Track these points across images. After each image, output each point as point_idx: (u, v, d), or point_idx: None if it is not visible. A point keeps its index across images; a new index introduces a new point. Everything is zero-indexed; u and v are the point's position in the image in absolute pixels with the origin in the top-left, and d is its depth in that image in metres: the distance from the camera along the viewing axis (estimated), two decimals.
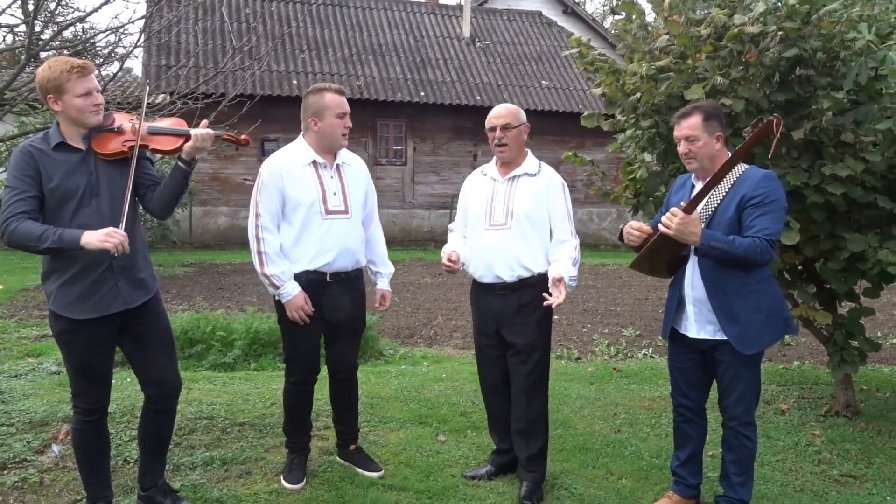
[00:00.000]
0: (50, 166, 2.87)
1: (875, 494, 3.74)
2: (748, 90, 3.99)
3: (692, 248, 3.13)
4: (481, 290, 3.68)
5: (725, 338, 3.14)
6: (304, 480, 3.64)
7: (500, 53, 18.30)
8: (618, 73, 4.57)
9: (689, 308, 3.25)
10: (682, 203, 3.06)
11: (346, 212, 3.56)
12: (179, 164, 3.06)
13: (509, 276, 3.53)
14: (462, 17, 18.59)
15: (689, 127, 3.15)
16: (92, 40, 6.23)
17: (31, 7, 4.94)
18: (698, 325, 3.24)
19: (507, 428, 3.73)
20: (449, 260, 3.56)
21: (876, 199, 4.00)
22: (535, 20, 19.92)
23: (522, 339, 3.56)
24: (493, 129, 3.56)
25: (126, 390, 4.87)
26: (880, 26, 4.01)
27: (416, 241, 16.38)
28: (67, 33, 7.56)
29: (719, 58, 4.09)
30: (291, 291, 3.43)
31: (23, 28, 5.13)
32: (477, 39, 18.48)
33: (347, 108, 3.55)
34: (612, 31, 4.85)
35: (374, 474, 3.74)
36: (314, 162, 3.53)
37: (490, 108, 3.69)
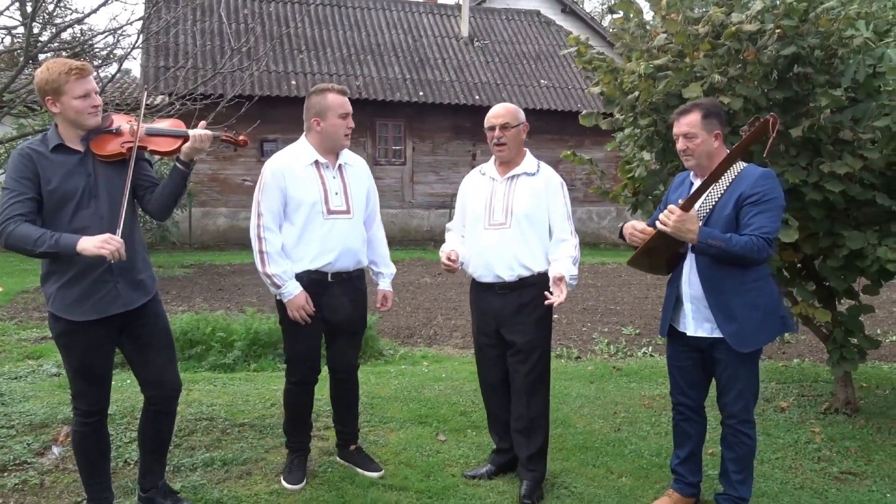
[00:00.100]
0: (48, 168, 2.87)
1: (875, 491, 3.75)
2: (746, 88, 4.00)
3: (690, 245, 3.13)
4: (481, 290, 3.68)
5: (723, 335, 3.14)
6: (305, 481, 3.64)
7: (498, 53, 18.30)
8: (616, 72, 4.58)
9: (687, 306, 3.26)
10: (680, 201, 3.07)
11: (347, 212, 3.57)
12: (178, 165, 3.06)
13: (509, 275, 3.54)
14: (460, 16, 18.59)
15: (687, 124, 3.16)
16: (90, 42, 6.23)
17: (29, 9, 4.94)
18: (696, 322, 3.24)
19: (507, 427, 3.74)
20: (448, 259, 3.56)
21: (874, 197, 4.00)
22: (534, 19, 19.92)
23: (522, 339, 3.56)
24: (492, 128, 3.57)
25: (126, 392, 4.87)
26: (878, 23, 4.01)
27: (415, 240, 16.39)
28: (66, 35, 7.56)
29: (717, 56, 4.10)
30: (293, 291, 3.44)
31: (21, 30, 5.13)
32: (475, 39, 18.48)
33: (350, 109, 3.55)
34: (611, 30, 4.85)
35: (375, 474, 3.74)
36: (316, 162, 3.53)
37: (489, 107, 3.70)
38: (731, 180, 3.13)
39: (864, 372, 5.99)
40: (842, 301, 4.83)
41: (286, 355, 3.72)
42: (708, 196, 3.14)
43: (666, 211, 3.03)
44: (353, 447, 3.88)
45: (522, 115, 3.62)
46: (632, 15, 4.61)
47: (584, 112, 4.87)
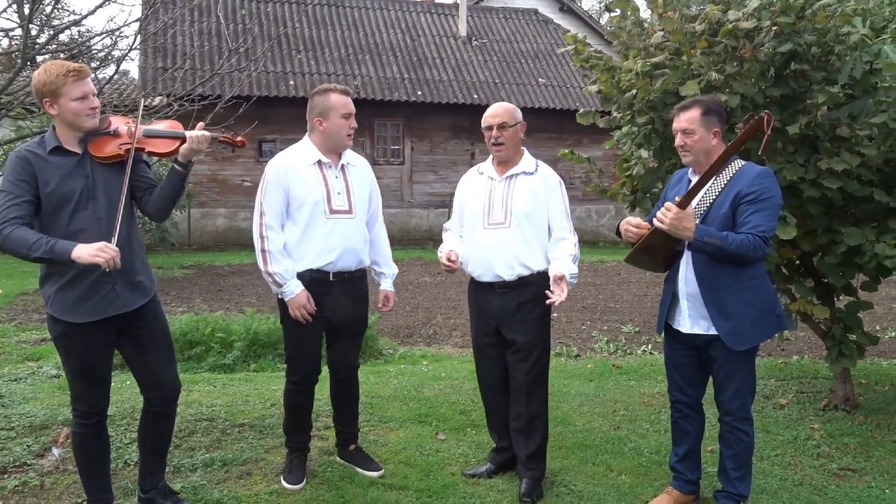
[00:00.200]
0: (46, 171, 2.87)
1: (874, 487, 3.75)
2: (743, 86, 4.00)
3: (686, 243, 3.13)
4: (480, 289, 3.69)
5: (718, 333, 3.15)
6: (305, 480, 3.65)
7: (496, 52, 18.30)
8: (613, 70, 4.58)
9: (683, 303, 3.26)
10: (677, 198, 3.07)
11: (349, 212, 3.57)
12: (176, 166, 3.06)
13: (509, 274, 3.54)
14: (458, 15, 18.57)
15: (686, 120, 3.16)
16: (88, 43, 6.22)
17: (26, 10, 4.94)
18: (692, 320, 3.24)
19: (507, 426, 3.74)
20: (448, 259, 3.57)
21: (872, 193, 4.01)
22: (532, 18, 19.91)
23: (522, 337, 3.56)
24: (490, 128, 3.57)
25: (126, 393, 4.87)
26: (875, 20, 4.01)
27: (414, 240, 16.39)
28: (63, 36, 7.56)
29: (714, 54, 4.10)
30: (294, 290, 3.45)
31: (18, 32, 5.13)
32: (473, 38, 18.47)
33: (353, 109, 3.56)
34: (608, 28, 4.85)
35: (374, 474, 3.75)
36: (319, 162, 3.54)
37: (487, 106, 3.70)
38: (728, 178, 3.13)
39: (863, 368, 6.00)
40: (840, 298, 4.83)
41: (287, 355, 3.72)
42: (705, 194, 3.15)
43: (663, 208, 3.03)
44: (352, 447, 3.89)
45: (519, 115, 3.62)
46: (629, 13, 4.62)
47: (581, 110, 4.87)
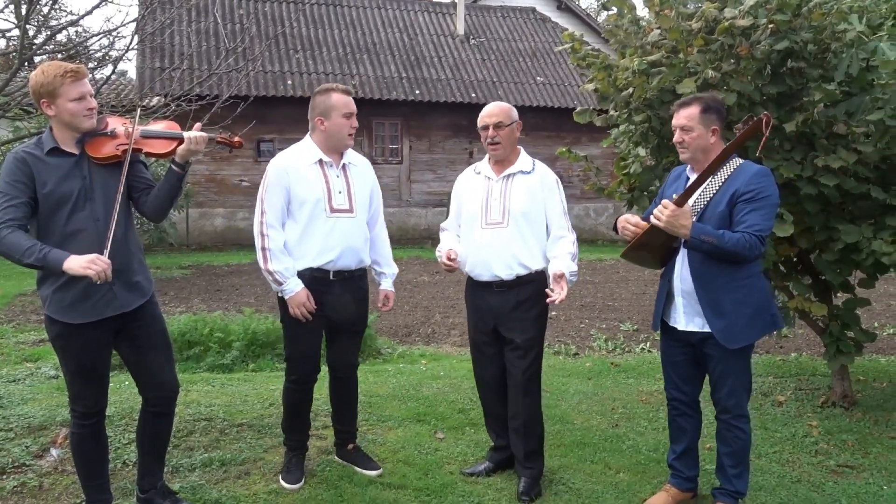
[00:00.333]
0: (44, 172, 2.87)
1: (872, 484, 3.76)
2: (740, 83, 4.00)
3: (682, 240, 3.14)
4: (478, 288, 3.69)
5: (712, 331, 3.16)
6: (303, 480, 3.65)
7: (494, 50, 18.30)
8: (609, 69, 4.58)
9: (678, 300, 3.27)
10: (674, 196, 3.07)
11: (350, 210, 3.58)
12: (173, 167, 3.06)
13: (507, 274, 3.54)
14: (456, 14, 18.57)
15: (685, 117, 3.16)
16: (85, 44, 6.23)
17: (23, 11, 4.94)
18: (687, 317, 3.25)
19: (505, 424, 3.74)
20: (448, 258, 3.57)
21: (869, 190, 4.01)
22: (529, 16, 19.91)
23: (521, 336, 3.57)
24: (486, 127, 3.57)
25: (124, 393, 4.87)
26: (871, 17, 4.01)
27: (412, 239, 16.40)
28: (61, 37, 7.55)
29: (711, 51, 4.10)
30: (294, 288, 3.45)
31: (16, 32, 5.13)
32: (471, 36, 18.47)
33: (354, 109, 3.57)
34: (605, 27, 4.85)
35: (373, 473, 3.75)
36: (320, 161, 3.55)
37: (485, 105, 3.70)
38: (726, 176, 3.14)
39: (861, 365, 6.01)
40: (838, 295, 4.84)
41: (286, 353, 3.72)
42: (703, 192, 3.15)
43: (660, 205, 3.04)
44: (351, 446, 3.89)
45: (516, 114, 3.62)
46: (625, 11, 4.62)
47: (578, 109, 4.87)
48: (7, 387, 5.19)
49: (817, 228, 4.29)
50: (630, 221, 3.24)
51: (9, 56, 5.67)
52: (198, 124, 3.18)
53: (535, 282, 3.56)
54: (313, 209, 3.49)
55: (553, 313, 8.09)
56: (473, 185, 3.71)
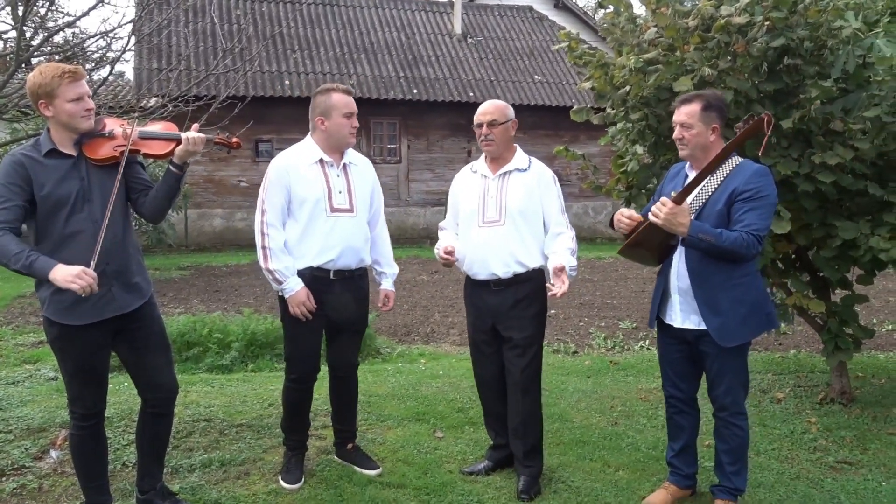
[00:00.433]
0: (42, 174, 2.87)
1: (870, 480, 3.77)
2: (736, 81, 4.01)
3: (680, 238, 3.14)
4: (476, 287, 3.69)
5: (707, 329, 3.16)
6: (303, 480, 3.66)
7: (492, 49, 18.29)
8: (606, 67, 4.58)
9: (675, 297, 3.27)
10: (673, 193, 3.08)
11: (350, 210, 3.59)
12: (171, 168, 3.06)
13: (504, 272, 3.55)
14: (453, 13, 18.56)
15: (686, 114, 3.16)
16: (82, 45, 6.22)
17: (20, 12, 4.94)
18: (683, 314, 3.25)
19: (504, 423, 3.75)
20: (445, 252, 3.58)
21: (866, 187, 4.02)
22: (527, 15, 19.91)
23: (520, 334, 3.57)
24: (480, 125, 3.58)
25: (123, 394, 4.88)
26: (867, 14, 4.02)
27: (411, 238, 16.39)
28: (58, 38, 7.55)
29: (707, 49, 4.10)
30: (294, 287, 3.46)
31: (13, 34, 5.13)
32: (468, 35, 18.47)
33: (354, 108, 3.58)
34: (602, 25, 4.86)
35: (372, 472, 3.76)
36: (321, 160, 3.55)
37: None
38: (725, 175, 3.14)
39: (860, 361, 6.01)
40: (836, 291, 4.85)
41: (286, 352, 3.73)
42: (701, 190, 3.15)
43: (658, 203, 3.04)
44: (350, 445, 3.89)
45: (511, 112, 3.62)
46: (622, 9, 4.62)
47: (575, 107, 4.87)
48: (6, 389, 5.19)
49: (815, 225, 4.29)
50: (625, 215, 3.24)
51: (6, 58, 5.67)
52: (195, 125, 3.18)
53: (533, 280, 3.56)
54: (313, 208, 3.49)
55: (552, 311, 8.09)
56: (470, 183, 3.72)
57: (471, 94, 16.53)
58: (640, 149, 4.72)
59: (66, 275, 2.64)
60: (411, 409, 4.79)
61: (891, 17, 3.99)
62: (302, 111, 3.62)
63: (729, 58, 4.04)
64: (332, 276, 3.56)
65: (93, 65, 6.00)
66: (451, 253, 3.58)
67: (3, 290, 9.83)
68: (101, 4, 5.22)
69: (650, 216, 3.06)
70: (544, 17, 20.12)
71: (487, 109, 3.59)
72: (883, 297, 9.25)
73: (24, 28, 4.94)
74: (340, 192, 3.57)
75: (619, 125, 4.82)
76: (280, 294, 3.53)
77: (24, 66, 5.05)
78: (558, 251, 3.51)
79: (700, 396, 3.48)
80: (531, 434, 3.63)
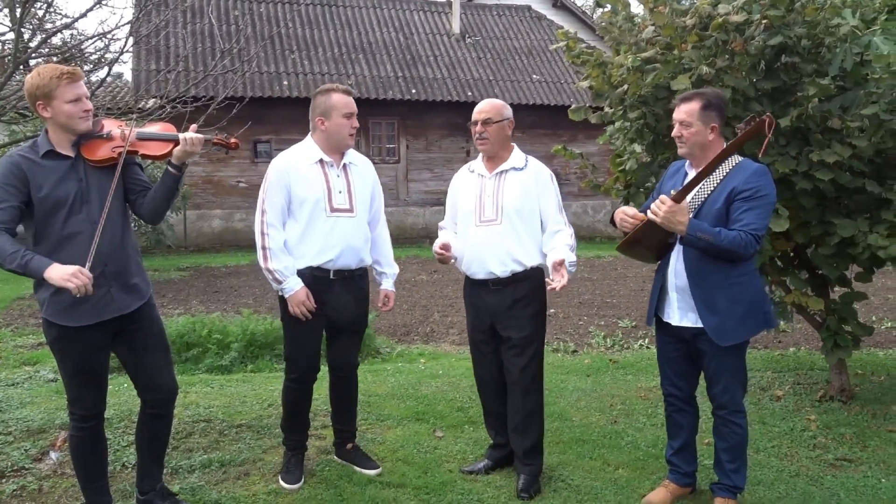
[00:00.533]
0: (39, 175, 2.87)
1: (870, 477, 3.77)
2: (734, 79, 4.01)
3: (678, 236, 3.14)
4: (474, 287, 3.70)
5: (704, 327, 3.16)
6: (303, 480, 3.66)
7: (490, 49, 18.30)
8: (604, 66, 4.59)
9: (672, 295, 3.27)
10: (672, 192, 3.08)
11: (350, 210, 3.59)
12: (170, 169, 3.06)
13: (502, 271, 3.55)
14: (451, 13, 18.57)
15: (685, 112, 3.16)
16: (80, 46, 6.22)
17: (18, 14, 4.94)
18: (681, 312, 3.25)
19: (504, 422, 3.75)
20: (440, 247, 3.58)
21: (864, 184, 4.02)
22: (525, 14, 19.92)
23: (518, 333, 3.57)
24: (475, 123, 3.58)
25: (123, 395, 4.87)
26: (864, 11, 4.02)
27: (410, 238, 16.40)
28: (56, 40, 7.54)
29: (705, 47, 4.11)
30: (294, 287, 3.46)
31: (11, 35, 5.13)
32: (467, 35, 18.48)
33: (354, 109, 3.58)
34: (600, 24, 4.86)
35: (372, 472, 3.76)
36: (321, 160, 3.56)
37: None
38: (725, 174, 3.14)
39: (859, 359, 6.02)
40: (835, 289, 4.85)
41: (286, 352, 3.73)
42: (700, 188, 3.15)
43: (657, 201, 3.04)
44: (350, 445, 3.89)
45: (508, 112, 3.62)
46: (620, 8, 4.63)
47: (574, 106, 4.88)
48: (6, 390, 5.19)
49: (813, 223, 4.29)
50: (628, 213, 3.24)
51: (4, 59, 5.67)
52: (193, 126, 3.18)
53: (531, 279, 3.57)
54: (313, 208, 3.50)
55: (551, 311, 8.10)
56: (468, 183, 3.72)
57: (469, 93, 16.53)
58: (638, 147, 4.72)
59: (61, 274, 2.65)
60: (411, 408, 4.79)
61: (888, 14, 4.00)
62: (300, 112, 3.62)
63: (727, 56, 4.05)
64: (331, 276, 3.57)
65: (91, 66, 6.01)
66: (445, 248, 3.58)
67: (2, 292, 9.83)
68: (98, 6, 5.22)
69: (649, 214, 3.07)
70: (542, 16, 20.12)
71: (483, 108, 3.60)
72: (882, 295, 9.26)
73: (22, 29, 4.94)
74: (340, 193, 3.57)
75: (618, 124, 4.83)
76: (280, 294, 3.53)
77: (22, 67, 5.05)
78: (557, 247, 3.51)
79: (699, 394, 3.49)
80: (531, 432, 3.63)
